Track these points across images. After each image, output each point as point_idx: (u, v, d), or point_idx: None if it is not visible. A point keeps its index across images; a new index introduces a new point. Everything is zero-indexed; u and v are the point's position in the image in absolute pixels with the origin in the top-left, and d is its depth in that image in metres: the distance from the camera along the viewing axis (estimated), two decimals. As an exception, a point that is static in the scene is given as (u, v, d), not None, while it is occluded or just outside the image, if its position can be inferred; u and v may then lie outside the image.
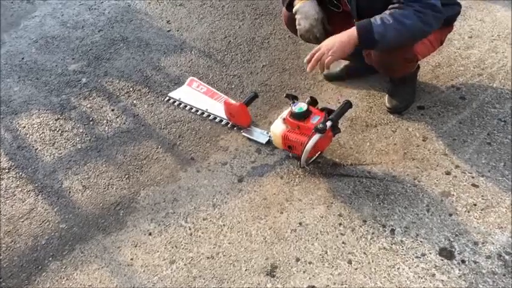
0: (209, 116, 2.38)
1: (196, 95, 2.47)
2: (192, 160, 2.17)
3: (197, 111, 2.42)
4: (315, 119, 1.90)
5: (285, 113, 1.97)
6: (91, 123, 2.47)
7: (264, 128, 2.24)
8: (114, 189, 2.08)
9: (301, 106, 1.91)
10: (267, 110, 2.37)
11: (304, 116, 1.90)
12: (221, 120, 2.34)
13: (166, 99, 2.54)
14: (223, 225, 1.85)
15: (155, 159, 2.20)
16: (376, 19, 1.75)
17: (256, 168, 2.07)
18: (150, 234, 1.87)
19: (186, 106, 2.46)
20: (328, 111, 1.93)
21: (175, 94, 2.53)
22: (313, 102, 1.99)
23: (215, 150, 2.19)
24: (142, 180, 2.11)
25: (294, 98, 1.99)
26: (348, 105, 1.94)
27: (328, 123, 1.83)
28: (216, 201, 1.95)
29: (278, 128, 1.96)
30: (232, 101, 2.32)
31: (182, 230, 1.86)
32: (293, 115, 1.91)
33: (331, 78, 2.48)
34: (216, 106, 2.38)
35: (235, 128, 2.28)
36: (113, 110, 2.54)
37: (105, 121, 2.47)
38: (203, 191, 2.01)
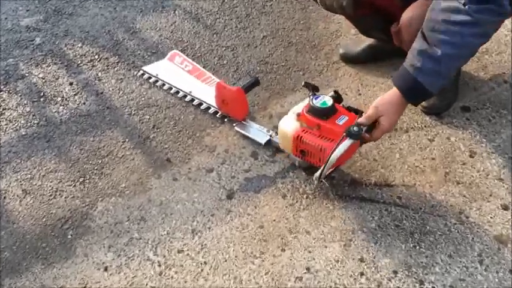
0: (193, 100, 1.86)
1: (178, 72, 1.94)
2: (168, 162, 1.67)
3: (178, 92, 1.90)
4: (342, 120, 1.41)
5: (300, 106, 1.49)
6: (41, 100, 1.94)
7: (263, 123, 1.75)
8: (63, 197, 1.59)
9: (326, 100, 1.43)
10: (267, 98, 1.86)
11: (328, 113, 1.42)
12: (208, 108, 1.83)
13: (140, 74, 2.01)
14: (205, 263, 1.39)
15: (120, 158, 1.70)
16: (415, 64, 1.30)
17: (251, 181, 1.58)
18: (105, 269, 1.39)
19: (164, 85, 1.94)
20: (356, 112, 1.47)
21: (152, 69, 1.99)
22: (337, 98, 1.50)
23: (199, 151, 1.70)
24: (101, 186, 1.61)
25: (314, 89, 1.51)
26: None
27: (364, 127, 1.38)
28: (196, 225, 1.48)
29: (289, 125, 1.48)
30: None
31: (149, 267, 1.39)
32: (313, 110, 1.43)
33: (350, 59, 1.97)
34: (202, 88, 1.86)
35: (226, 120, 1.78)
36: (71, 84, 2.00)
37: (59, 99, 1.94)
38: (180, 208, 1.53)
